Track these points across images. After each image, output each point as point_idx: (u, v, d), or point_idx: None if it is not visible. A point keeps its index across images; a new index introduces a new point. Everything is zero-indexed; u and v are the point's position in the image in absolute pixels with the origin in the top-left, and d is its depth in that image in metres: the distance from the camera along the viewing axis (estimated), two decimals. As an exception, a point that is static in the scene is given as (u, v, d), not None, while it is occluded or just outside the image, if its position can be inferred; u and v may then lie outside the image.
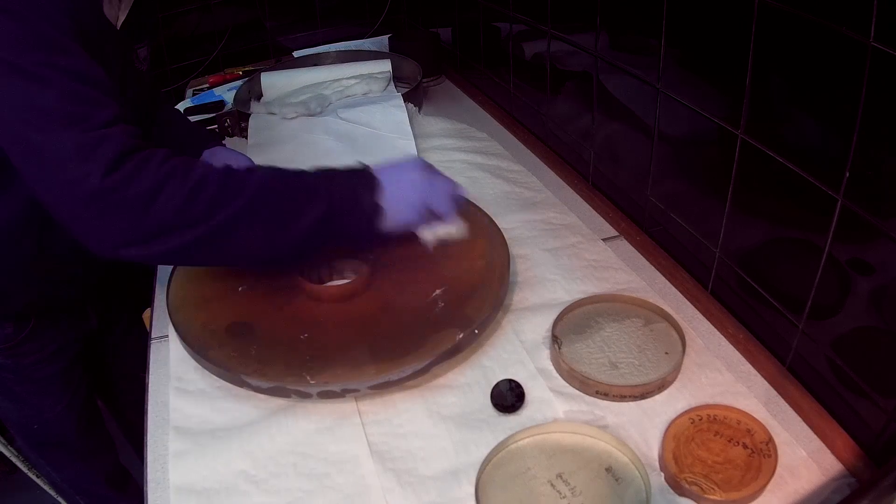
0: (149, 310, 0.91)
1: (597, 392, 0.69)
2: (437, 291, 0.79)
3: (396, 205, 0.73)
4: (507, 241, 0.84)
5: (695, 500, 0.59)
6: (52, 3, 0.62)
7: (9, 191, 0.75)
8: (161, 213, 0.62)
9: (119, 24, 0.78)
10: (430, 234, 0.77)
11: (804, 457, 0.63)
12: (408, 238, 0.87)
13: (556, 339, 0.75)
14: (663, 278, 0.87)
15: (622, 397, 0.69)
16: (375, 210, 0.71)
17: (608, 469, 0.62)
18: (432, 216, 0.76)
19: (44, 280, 0.86)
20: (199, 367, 0.75)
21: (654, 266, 0.89)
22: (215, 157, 0.96)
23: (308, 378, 0.68)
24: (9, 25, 0.59)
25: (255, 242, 0.67)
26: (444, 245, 0.78)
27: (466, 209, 0.82)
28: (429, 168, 0.78)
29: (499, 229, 0.86)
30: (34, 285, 0.87)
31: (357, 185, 0.72)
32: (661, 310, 0.78)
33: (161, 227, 0.62)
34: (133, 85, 0.87)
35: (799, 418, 0.67)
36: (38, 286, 0.87)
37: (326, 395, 0.69)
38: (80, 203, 0.61)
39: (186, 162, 0.65)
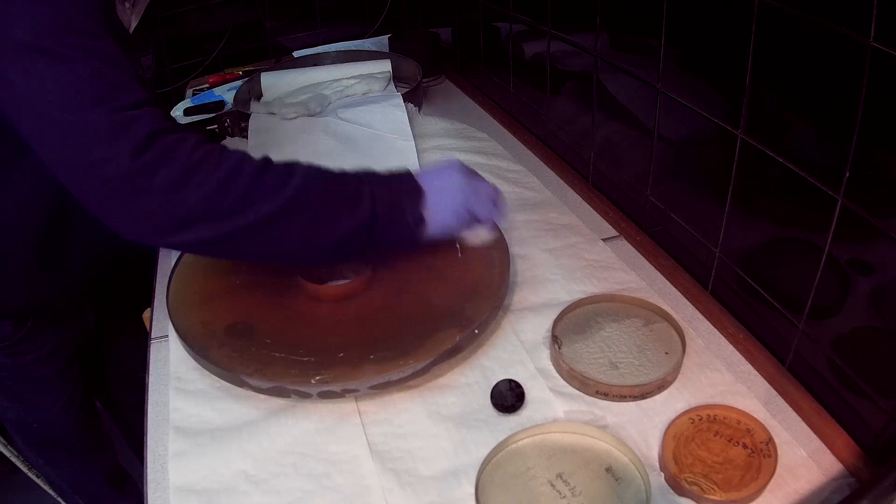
0: (149, 310, 0.91)
1: (597, 392, 0.69)
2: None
3: (440, 213, 0.72)
4: (507, 241, 0.84)
5: (695, 500, 0.59)
6: None
7: (9, 189, 0.75)
8: (189, 201, 0.60)
9: (132, 28, 0.78)
10: (470, 237, 0.79)
11: (804, 457, 0.63)
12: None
13: (556, 339, 0.75)
14: (663, 278, 0.87)
15: (622, 397, 0.69)
16: (419, 220, 0.71)
17: (608, 469, 0.62)
18: (474, 221, 0.76)
19: (43, 280, 0.86)
20: (199, 367, 0.75)
21: (654, 266, 0.89)
22: None
23: (308, 378, 0.68)
24: (38, 10, 0.58)
25: (290, 243, 0.65)
26: (479, 248, 0.80)
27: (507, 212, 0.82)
28: (469, 171, 0.77)
29: (499, 229, 0.86)
30: (33, 285, 0.87)
31: (402, 193, 0.71)
32: (661, 310, 0.78)
33: (189, 216, 0.61)
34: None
35: (799, 418, 0.67)
36: (37, 286, 0.87)
37: (326, 395, 0.69)
38: (108, 185, 0.59)
39: (221, 149, 0.64)
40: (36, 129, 0.60)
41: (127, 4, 0.75)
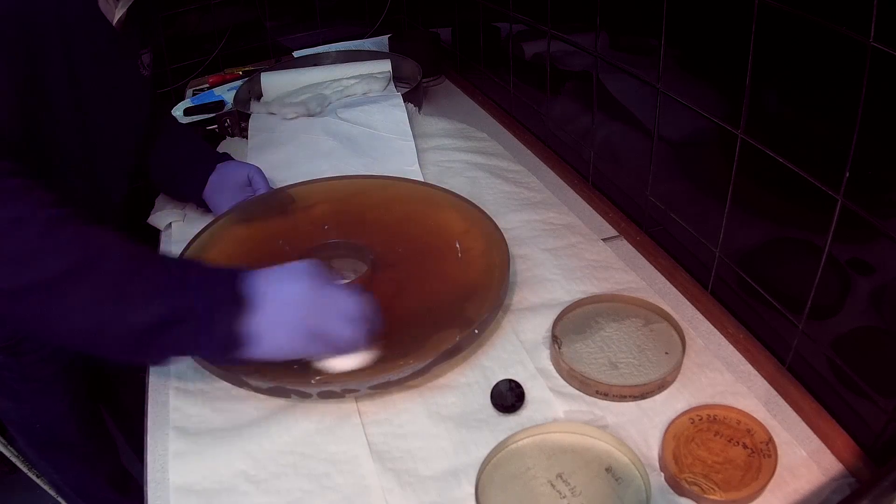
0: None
1: (597, 392, 0.69)
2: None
3: (272, 330, 0.60)
4: (507, 241, 0.84)
5: (695, 500, 0.59)
6: None
7: None
8: None
9: (115, 20, 0.77)
10: (331, 364, 0.66)
11: (804, 457, 0.63)
12: (406, 239, 0.87)
13: (556, 339, 0.75)
14: (663, 278, 0.87)
15: (622, 397, 0.69)
16: (233, 340, 0.59)
17: (608, 469, 0.62)
18: (329, 344, 0.63)
19: None
20: (199, 367, 0.75)
21: (654, 266, 0.89)
22: (226, 172, 0.97)
23: (308, 378, 0.68)
24: None
25: (71, 317, 0.56)
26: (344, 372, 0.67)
27: (373, 322, 0.66)
28: (321, 277, 0.63)
29: (499, 229, 0.86)
30: None
31: (217, 301, 0.59)
32: (661, 310, 0.78)
33: None
34: (133, 90, 0.87)
35: (799, 418, 0.67)
36: None
37: (326, 395, 0.68)
38: None
39: (24, 206, 0.56)
40: None
41: None
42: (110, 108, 0.82)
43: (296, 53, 1.54)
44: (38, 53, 0.68)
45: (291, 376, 0.69)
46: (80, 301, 0.55)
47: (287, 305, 0.61)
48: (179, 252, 0.86)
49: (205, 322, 0.58)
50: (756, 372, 0.73)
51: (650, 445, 0.65)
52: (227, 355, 0.60)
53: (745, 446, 0.62)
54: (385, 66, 1.39)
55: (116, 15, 0.77)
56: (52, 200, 0.57)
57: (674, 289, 0.85)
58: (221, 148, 1.21)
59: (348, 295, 0.65)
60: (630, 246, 0.93)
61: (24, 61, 0.66)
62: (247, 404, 0.72)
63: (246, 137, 1.24)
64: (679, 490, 0.60)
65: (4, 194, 0.55)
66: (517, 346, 0.76)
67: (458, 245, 0.85)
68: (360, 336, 0.64)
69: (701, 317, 0.80)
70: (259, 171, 0.98)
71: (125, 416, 1.24)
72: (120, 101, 0.83)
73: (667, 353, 0.73)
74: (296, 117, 1.25)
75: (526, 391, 0.70)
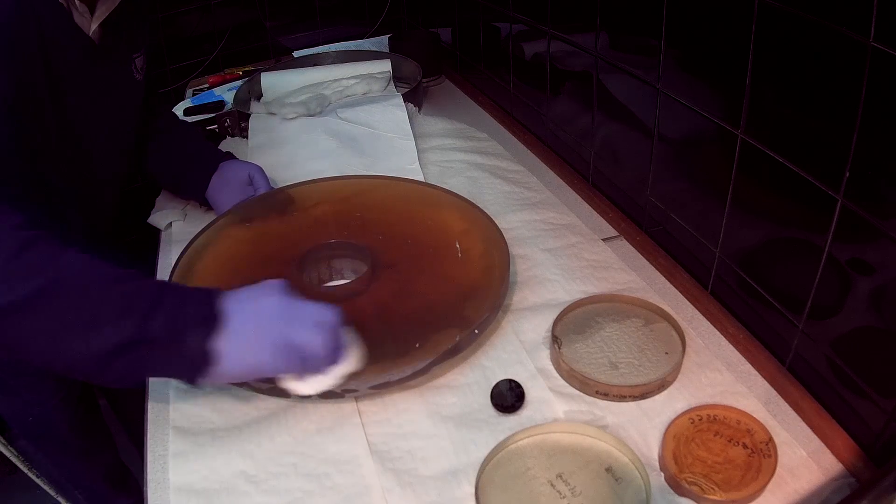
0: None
1: (597, 392, 0.69)
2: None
3: (242, 344, 0.59)
4: (507, 241, 0.84)
5: (695, 500, 0.59)
6: None
7: None
8: None
9: (91, 31, 0.77)
10: (302, 385, 0.63)
11: (804, 457, 0.63)
12: (406, 239, 0.87)
13: (556, 339, 0.75)
14: (663, 278, 0.87)
15: (622, 397, 0.69)
16: (203, 357, 0.58)
17: (608, 469, 0.62)
18: (301, 357, 0.61)
19: None
20: (199, 367, 0.75)
21: (654, 266, 0.89)
22: (228, 171, 0.98)
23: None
24: None
25: (34, 341, 0.55)
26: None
27: (342, 334, 0.65)
28: (290, 291, 0.64)
29: (499, 229, 0.86)
30: None
31: (187, 317, 0.58)
32: (661, 310, 0.78)
33: None
34: (122, 96, 0.88)
35: (799, 418, 0.67)
36: None
37: (326, 396, 0.68)
38: None
39: None
40: None
41: (80, 9, 0.75)
42: (99, 116, 0.83)
43: (296, 53, 1.54)
44: (23, 69, 0.69)
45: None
46: (49, 322, 0.55)
47: (258, 317, 0.60)
48: (180, 252, 0.86)
49: (174, 340, 0.57)
50: (756, 372, 0.73)
51: (650, 445, 0.65)
52: (198, 373, 0.59)
53: (745, 446, 0.62)
54: (385, 66, 1.39)
55: (92, 27, 0.77)
56: (21, 222, 0.57)
57: (674, 289, 0.85)
58: (221, 148, 1.21)
59: (318, 306, 0.64)
60: (630, 246, 0.93)
61: (13, 78, 0.67)
62: (247, 404, 0.72)
63: (246, 137, 1.24)
64: (679, 490, 0.60)
65: None
66: (517, 346, 0.76)
67: (458, 245, 0.85)
68: (330, 344, 0.62)
69: (701, 317, 0.80)
70: (260, 170, 0.98)
71: (126, 412, 1.24)
72: (109, 108, 0.84)
73: (667, 353, 0.73)
74: (296, 117, 1.25)
75: (526, 391, 0.70)
